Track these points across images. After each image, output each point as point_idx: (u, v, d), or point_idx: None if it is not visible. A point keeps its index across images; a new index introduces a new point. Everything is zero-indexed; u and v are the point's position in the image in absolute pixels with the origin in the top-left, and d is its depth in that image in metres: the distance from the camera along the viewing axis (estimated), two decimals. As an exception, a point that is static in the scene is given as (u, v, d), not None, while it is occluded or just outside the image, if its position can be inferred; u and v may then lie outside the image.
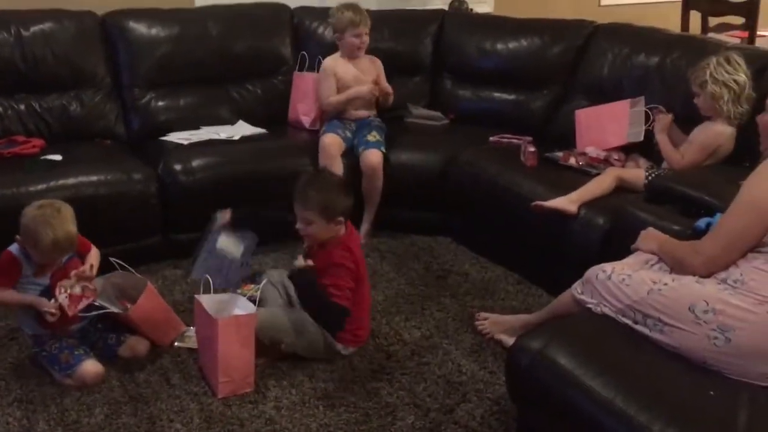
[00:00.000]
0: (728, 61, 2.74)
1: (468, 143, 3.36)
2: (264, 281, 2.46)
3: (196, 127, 3.37)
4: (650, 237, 2.21)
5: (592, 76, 3.42)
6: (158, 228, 3.01)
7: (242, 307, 2.30)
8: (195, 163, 3.03)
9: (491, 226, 3.17)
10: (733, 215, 1.92)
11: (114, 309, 2.28)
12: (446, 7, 4.22)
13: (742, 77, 2.72)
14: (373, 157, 3.21)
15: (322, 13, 3.68)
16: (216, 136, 3.26)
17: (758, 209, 1.86)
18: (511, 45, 3.64)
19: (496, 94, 3.67)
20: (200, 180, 3.01)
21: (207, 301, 2.26)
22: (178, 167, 3.00)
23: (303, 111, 3.54)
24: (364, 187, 3.23)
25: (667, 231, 2.27)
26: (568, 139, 3.22)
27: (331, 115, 3.43)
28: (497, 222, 3.11)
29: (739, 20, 4.53)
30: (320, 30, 3.73)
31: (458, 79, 3.77)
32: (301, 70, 3.64)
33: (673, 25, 4.71)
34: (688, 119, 2.89)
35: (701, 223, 2.28)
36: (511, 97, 3.64)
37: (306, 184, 2.35)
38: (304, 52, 3.64)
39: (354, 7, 3.32)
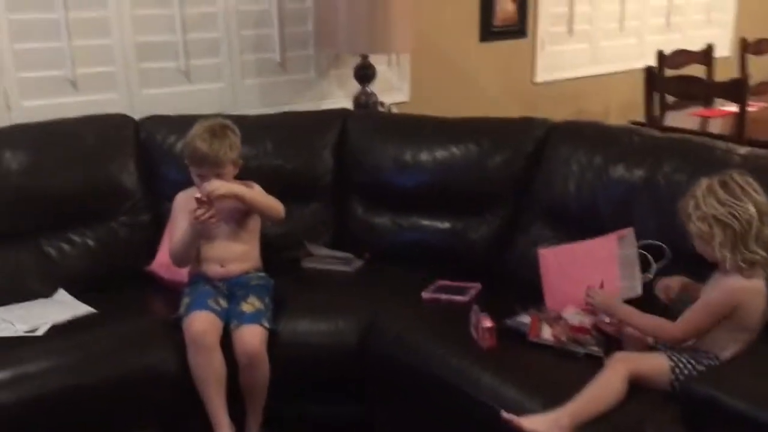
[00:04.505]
0: (725, 186, 1.85)
1: (393, 298, 2.41)
2: None
3: (-11, 309, 2.26)
4: None
5: (552, 194, 2.53)
6: None
7: None
8: (-38, 387, 1.92)
9: (435, 432, 2.16)
10: None
11: None
12: (350, 104, 3.25)
13: (751, 208, 1.83)
14: (249, 338, 2.19)
15: (182, 124, 2.63)
16: (8, 333, 2.12)
17: None
18: (439, 154, 2.72)
19: (425, 222, 2.73)
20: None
21: None
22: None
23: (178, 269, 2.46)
24: (241, 380, 2.21)
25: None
26: (530, 283, 2.31)
27: (192, 272, 2.41)
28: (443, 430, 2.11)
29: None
30: (179, 146, 2.68)
31: (372, 202, 2.80)
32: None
33: (616, 100, 4.20)
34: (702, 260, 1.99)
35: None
36: (445, 225, 2.70)
37: None
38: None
39: (210, 134, 2.31)
